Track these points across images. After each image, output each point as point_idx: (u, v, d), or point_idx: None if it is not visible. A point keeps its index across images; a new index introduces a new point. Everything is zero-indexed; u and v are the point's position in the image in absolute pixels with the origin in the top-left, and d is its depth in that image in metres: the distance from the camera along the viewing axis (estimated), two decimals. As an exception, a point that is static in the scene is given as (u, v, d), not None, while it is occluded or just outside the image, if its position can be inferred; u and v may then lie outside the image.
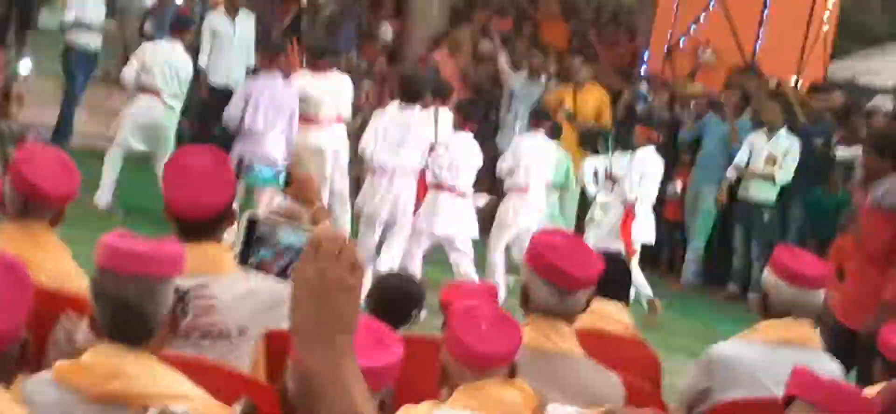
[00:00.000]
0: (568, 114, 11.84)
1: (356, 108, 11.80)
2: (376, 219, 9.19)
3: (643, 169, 9.97)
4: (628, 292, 4.96)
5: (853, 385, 3.64)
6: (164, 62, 10.39)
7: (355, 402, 1.84)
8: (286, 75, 9.90)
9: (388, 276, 5.46)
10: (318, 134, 9.89)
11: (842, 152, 11.45)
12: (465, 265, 9.22)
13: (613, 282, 4.64)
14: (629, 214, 10.00)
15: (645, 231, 10.12)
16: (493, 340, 3.27)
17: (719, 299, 11.51)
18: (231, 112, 9.75)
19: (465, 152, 9.17)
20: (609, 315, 4.71)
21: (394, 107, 9.44)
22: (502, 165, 9.92)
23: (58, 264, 3.94)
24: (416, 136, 9.17)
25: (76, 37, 12.36)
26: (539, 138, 10.00)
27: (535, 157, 9.83)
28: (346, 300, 1.87)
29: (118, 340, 2.98)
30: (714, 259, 11.87)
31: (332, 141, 9.95)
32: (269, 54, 9.93)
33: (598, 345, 4.17)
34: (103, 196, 10.27)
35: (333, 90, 10.02)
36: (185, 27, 10.80)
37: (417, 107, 9.27)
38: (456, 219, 9.17)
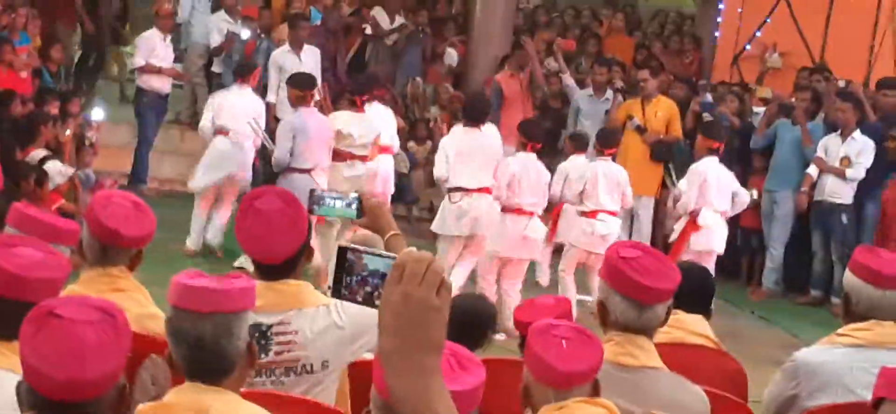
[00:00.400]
0: (638, 126, 11.77)
1: (426, 134, 11.86)
2: (455, 239, 9.23)
3: (702, 180, 9.75)
4: (709, 304, 4.89)
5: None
6: (233, 106, 10.54)
7: None
8: (320, 109, 9.95)
9: (460, 297, 5.46)
10: (352, 167, 9.93)
11: None
12: (504, 285, 9.24)
13: (693, 294, 4.60)
14: (691, 224, 9.86)
15: (714, 241, 9.91)
16: (575, 358, 3.25)
17: (802, 305, 11.35)
18: (280, 154, 9.68)
19: (527, 171, 9.15)
20: (690, 327, 4.66)
21: (459, 129, 9.46)
22: (570, 188, 9.76)
23: (140, 307, 3.99)
24: (486, 154, 9.19)
25: (147, 80, 12.55)
26: (612, 165, 9.88)
27: (608, 185, 9.68)
28: (433, 321, 1.87)
29: (198, 378, 3.00)
30: (794, 265, 11.70)
31: (367, 173, 10.00)
32: (300, 91, 9.82)
33: (680, 358, 4.13)
34: (192, 241, 10.46)
35: (371, 126, 10.05)
36: (248, 72, 10.92)
37: (483, 127, 9.31)
38: (520, 241, 9.16)
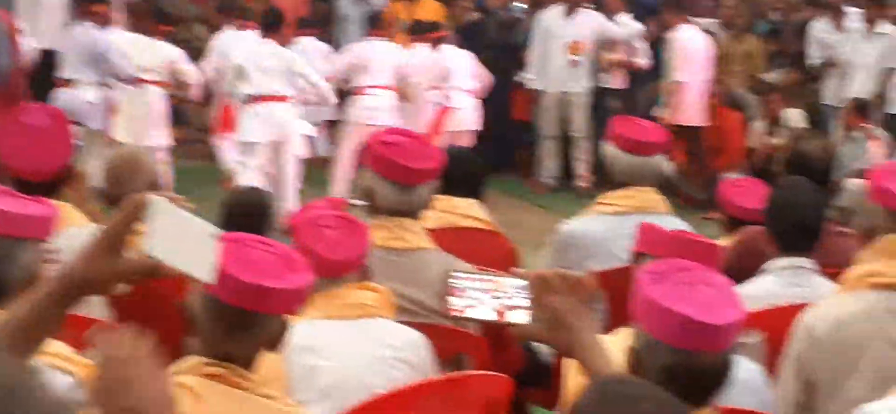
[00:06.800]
0: (406, 27, 11.84)
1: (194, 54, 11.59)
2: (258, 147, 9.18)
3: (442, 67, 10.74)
4: (481, 187, 4.96)
5: (699, 235, 3.73)
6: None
7: None
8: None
9: (237, 190, 5.43)
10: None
11: None
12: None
13: (462, 177, 4.68)
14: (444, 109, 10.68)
15: (465, 121, 10.78)
16: (342, 246, 3.28)
17: (579, 191, 11.55)
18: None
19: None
20: (463, 211, 4.73)
21: (255, 38, 9.48)
22: (343, 64, 10.31)
23: None
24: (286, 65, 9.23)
25: None
26: (383, 42, 10.42)
27: (381, 60, 10.20)
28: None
29: None
30: (571, 154, 11.89)
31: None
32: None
33: (453, 240, 4.22)
34: None
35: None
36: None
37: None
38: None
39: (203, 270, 1.81)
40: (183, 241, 1.80)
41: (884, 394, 2.85)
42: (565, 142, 11.75)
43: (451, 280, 2.38)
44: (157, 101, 9.81)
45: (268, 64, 9.08)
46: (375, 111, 10.05)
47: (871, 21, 10.88)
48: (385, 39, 10.50)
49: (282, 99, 9.12)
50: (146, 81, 9.74)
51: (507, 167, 12.08)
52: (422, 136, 3.91)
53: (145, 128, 9.50)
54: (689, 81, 11.02)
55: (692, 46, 11.09)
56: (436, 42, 10.91)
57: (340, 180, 10.14)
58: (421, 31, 11.00)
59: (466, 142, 10.72)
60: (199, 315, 2.54)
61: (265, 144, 9.11)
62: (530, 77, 11.70)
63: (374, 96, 10.16)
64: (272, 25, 9.32)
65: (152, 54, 9.84)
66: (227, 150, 10.00)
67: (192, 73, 10.14)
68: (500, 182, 11.26)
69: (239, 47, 9.72)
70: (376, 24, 10.77)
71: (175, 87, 10.09)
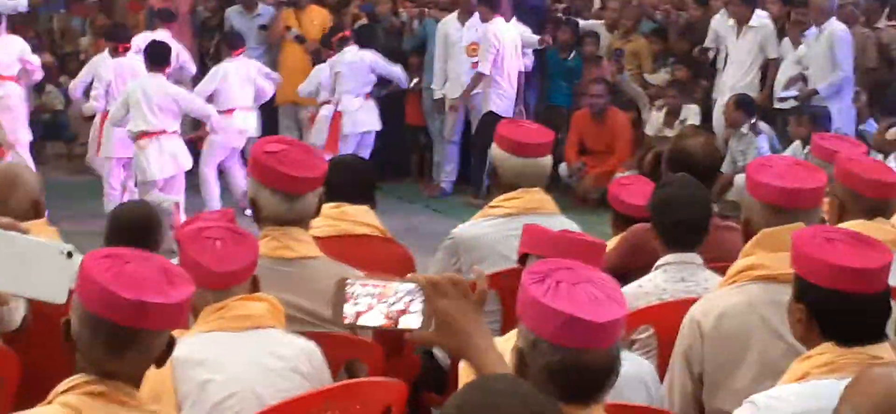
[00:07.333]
0: (297, 36, 11.82)
1: (79, 67, 11.45)
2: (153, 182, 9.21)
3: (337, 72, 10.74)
4: (372, 193, 4.95)
5: (583, 234, 3.79)
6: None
7: None
8: None
9: (123, 205, 5.35)
10: None
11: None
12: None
13: (354, 185, 4.67)
14: (338, 115, 10.68)
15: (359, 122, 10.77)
16: (229, 257, 3.25)
17: (474, 198, 11.52)
18: None
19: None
20: (355, 218, 4.71)
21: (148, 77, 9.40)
22: (203, 91, 10.11)
23: None
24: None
25: None
26: (241, 61, 10.42)
27: (236, 81, 10.23)
28: None
29: None
30: (467, 159, 11.85)
31: None
32: None
33: (347, 248, 4.21)
34: None
35: None
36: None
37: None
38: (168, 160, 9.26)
39: (50, 291, 1.76)
40: (21, 265, 1.74)
41: (769, 383, 2.92)
42: (464, 147, 11.78)
43: (342, 288, 2.37)
44: (16, 96, 9.99)
45: (157, 100, 9.13)
46: (236, 129, 10.17)
47: (741, 20, 10.96)
48: (240, 57, 10.50)
49: (172, 133, 9.24)
50: (4, 78, 9.92)
51: (402, 173, 12.09)
52: (305, 144, 3.88)
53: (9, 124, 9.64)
54: (497, 74, 11.16)
55: (504, 40, 11.19)
56: (340, 43, 10.89)
57: (210, 198, 10.12)
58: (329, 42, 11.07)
59: (366, 144, 10.78)
60: (81, 333, 2.50)
61: (160, 180, 9.21)
62: (435, 87, 11.67)
63: (233, 115, 10.15)
64: (158, 60, 9.31)
65: (5, 51, 10.00)
66: (106, 168, 9.96)
67: (35, 62, 10.43)
68: (396, 187, 11.29)
69: (128, 81, 9.70)
70: (234, 43, 10.71)
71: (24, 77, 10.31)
